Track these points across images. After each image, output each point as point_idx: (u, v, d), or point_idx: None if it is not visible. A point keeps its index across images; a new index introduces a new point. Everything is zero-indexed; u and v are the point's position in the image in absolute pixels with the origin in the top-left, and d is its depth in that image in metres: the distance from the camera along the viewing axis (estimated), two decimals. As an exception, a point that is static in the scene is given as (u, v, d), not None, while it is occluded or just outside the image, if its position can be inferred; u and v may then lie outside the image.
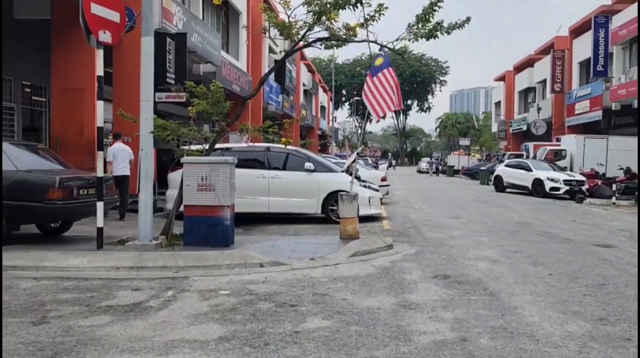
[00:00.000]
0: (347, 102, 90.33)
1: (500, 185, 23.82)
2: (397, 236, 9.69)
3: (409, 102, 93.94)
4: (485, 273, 6.58)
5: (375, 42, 8.51)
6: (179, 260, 6.61)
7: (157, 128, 7.87)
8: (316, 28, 8.14)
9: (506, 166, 24.16)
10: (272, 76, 33.50)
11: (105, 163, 8.75)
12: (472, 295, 5.49)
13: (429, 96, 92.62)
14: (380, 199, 12.50)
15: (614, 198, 18.16)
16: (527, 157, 29.69)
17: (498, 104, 55.14)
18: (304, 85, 46.84)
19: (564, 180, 20.58)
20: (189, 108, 8.21)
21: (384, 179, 16.33)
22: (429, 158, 71.10)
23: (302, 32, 8.24)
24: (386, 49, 8.89)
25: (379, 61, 8.80)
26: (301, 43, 8.62)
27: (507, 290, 5.75)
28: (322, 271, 6.60)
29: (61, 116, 12.74)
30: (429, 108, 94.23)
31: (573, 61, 35.57)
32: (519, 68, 48.33)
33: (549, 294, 5.59)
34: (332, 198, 11.77)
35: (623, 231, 10.83)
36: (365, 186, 12.13)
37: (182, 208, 7.79)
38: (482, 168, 35.25)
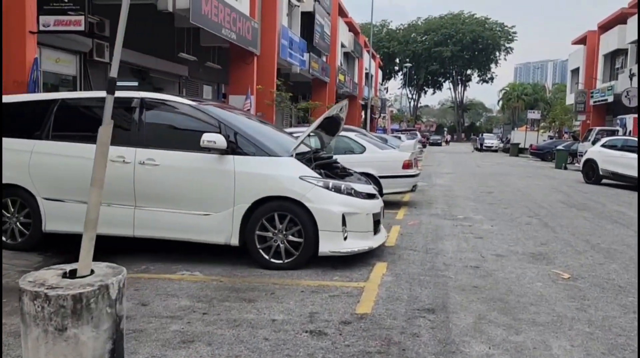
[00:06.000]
0: (400, 72, 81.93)
1: (592, 174, 16.36)
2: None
3: (469, 72, 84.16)
4: None
5: None
6: None
7: None
8: None
9: (604, 146, 16.60)
10: (297, 29, 26.86)
11: None
12: None
13: (492, 65, 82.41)
14: (376, 215, 5.81)
15: None
16: (625, 133, 21.79)
17: (575, 71, 45.76)
18: (343, 46, 39.88)
19: None
20: None
21: (407, 166, 9.58)
22: (480, 135, 62.15)
23: None
24: None
25: None
26: None
27: None
28: None
29: None
30: (491, 79, 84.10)
31: (687, 9, 26.73)
32: (605, 27, 39.12)
33: None
34: (263, 213, 5.33)
35: None
36: (338, 190, 5.48)
37: None
38: (559, 147, 27.35)
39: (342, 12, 38.30)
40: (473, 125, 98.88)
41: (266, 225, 5.32)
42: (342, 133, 10.56)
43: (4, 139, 5.95)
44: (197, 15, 14.07)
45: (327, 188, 5.36)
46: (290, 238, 5.32)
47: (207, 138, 5.27)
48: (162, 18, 16.13)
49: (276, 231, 5.31)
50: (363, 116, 44.80)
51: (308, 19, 27.77)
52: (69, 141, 5.78)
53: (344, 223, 5.32)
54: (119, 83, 11.81)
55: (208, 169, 5.43)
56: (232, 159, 5.39)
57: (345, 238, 5.34)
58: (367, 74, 50.95)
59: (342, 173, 6.20)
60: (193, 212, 5.45)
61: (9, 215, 5.90)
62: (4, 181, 5.85)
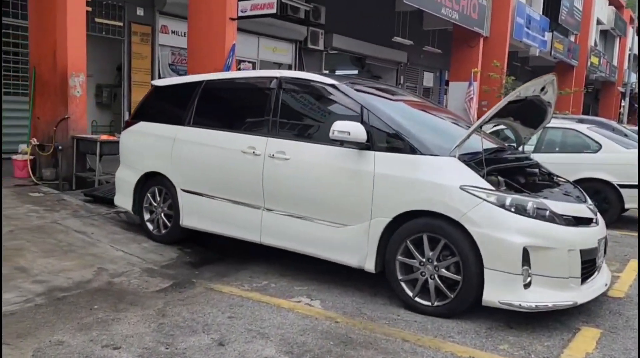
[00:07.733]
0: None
1: None
2: None
3: None
4: None
5: None
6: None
7: None
8: None
9: None
10: (538, 5, 23.39)
11: None
12: None
13: None
14: (587, 252, 3.73)
15: None
16: None
17: None
18: (599, 23, 33.98)
19: None
20: None
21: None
22: None
23: None
24: None
25: None
26: None
27: None
28: None
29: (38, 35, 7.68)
30: None
31: None
32: None
33: None
34: (408, 233, 3.81)
35: None
36: (520, 209, 3.58)
37: None
38: None
39: (602, -17, 32.39)
40: None
41: (411, 249, 3.79)
42: (571, 125, 8.09)
43: (156, 125, 5.66)
44: (411, -7, 12.83)
45: (503, 205, 3.53)
46: (444, 272, 3.68)
47: (339, 128, 3.95)
48: (382, 3, 15.36)
49: (424, 261, 3.74)
50: (624, 106, 37.63)
51: (553, -10, 23.87)
52: (207, 128, 5.12)
53: (526, 262, 3.44)
54: (340, 72, 11.45)
55: (341, 168, 4.12)
56: (372, 156, 3.99)
57: (527, 285, 3.46)
58: (630, 55, 42.75)
59: (542, 183, 4.23)
60: (323, 221, 4.23)
61: (155, 204, 5.57)
62: (151, 169, 5.56)
